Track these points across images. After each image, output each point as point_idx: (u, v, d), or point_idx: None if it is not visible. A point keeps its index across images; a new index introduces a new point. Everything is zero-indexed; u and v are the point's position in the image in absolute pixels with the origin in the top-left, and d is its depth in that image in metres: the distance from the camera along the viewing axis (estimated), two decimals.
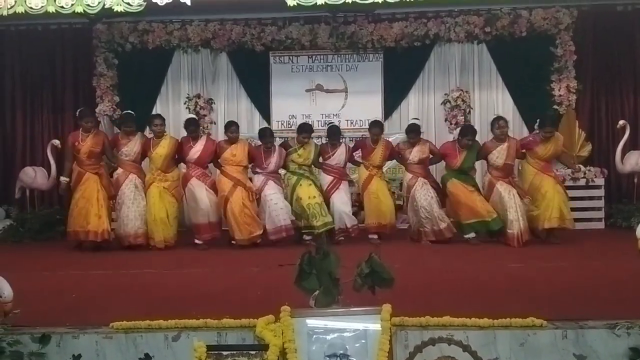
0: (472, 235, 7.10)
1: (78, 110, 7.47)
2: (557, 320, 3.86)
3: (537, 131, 7.30)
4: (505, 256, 6.36)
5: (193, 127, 7.33)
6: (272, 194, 7.15)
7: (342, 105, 8.89)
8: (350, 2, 6.37)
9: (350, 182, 7.64)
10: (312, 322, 3.51)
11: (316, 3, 6.39)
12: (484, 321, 3.76)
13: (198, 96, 8.90)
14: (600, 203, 8.23)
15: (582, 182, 8.18)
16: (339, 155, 7.42)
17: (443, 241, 7.09)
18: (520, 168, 7.31)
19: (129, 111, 7.54)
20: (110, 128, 8.65)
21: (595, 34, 8.66)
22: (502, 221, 6.91)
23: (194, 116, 7.99)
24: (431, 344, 3.32)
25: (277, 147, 7.42)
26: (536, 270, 5.62)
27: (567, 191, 8.04)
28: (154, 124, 7.28)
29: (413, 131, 7.34)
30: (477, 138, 7.35)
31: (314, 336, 3.47)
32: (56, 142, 8.26)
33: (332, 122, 7.94)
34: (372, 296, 3.73)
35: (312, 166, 7.45)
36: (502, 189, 6.95)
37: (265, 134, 7.35)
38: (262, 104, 8.90)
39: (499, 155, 7.02)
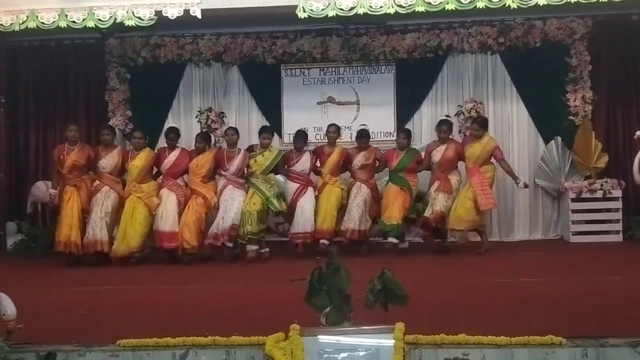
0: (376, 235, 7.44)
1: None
2: (576, 338, 3.73)
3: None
4: (520, 270, 6.23)
5: (172, 135, 7.54)
6: (224, 200, 7.20)
7: (354, 118, 8.80)
8: (361, 13, 6.29)
9: (315, 188, 7.60)
10: (322, 340, 3.42)
11: (327, 15, 6.33)
12: (500, 339, 3.65)
13: (209, 110, 8.87)
14: (618, 215, 8.05)
15: (599, 194, 8.02)
16: (303, 163, 7.47)
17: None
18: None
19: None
20: (122, 141, 8.62)
21: (610, 44, 8.52)
22: (397, 231, 7.15)
23: (175, 125, 8.05)
24: None
25: (241, 150, 7.45)
26: (553, 285, 5.48)
27: (584, 203, 8.03)
28: (134, 136, 7.50)
29: (364, 136, 7.55)
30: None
31: (325, 356, 3.38)
32: None
33: (300, 128, 7.94)
34: (385, 313, 3.63)
35: (271, 175, 7.42)
36: (433, 188, 7.34)
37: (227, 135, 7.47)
38: (274, 116, 8.84)
39: (437, 154, 7.43)
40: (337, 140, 7.74)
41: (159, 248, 7.20)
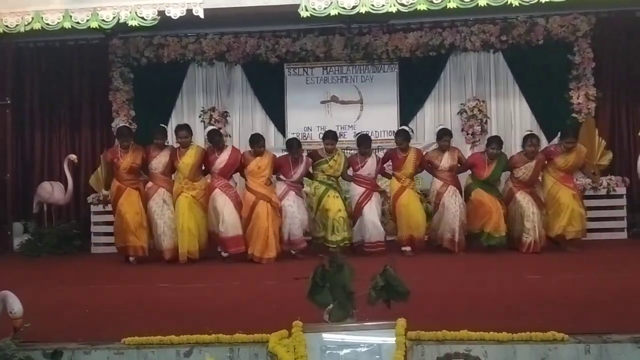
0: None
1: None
2: (579, 334, 3.75)
3: (559, 142, 7.37)
4: (524, 267, 6.22)
5: (218, 138, 7.36)
6: (289, 205, 7.11)
7: (357, 117, 8.83)
8: (363, 12, 6.30)
9: (382, 193, 7.48)
10: (324, 337, 3.44)
11: (329, 13, 6.34)
12: (503, 335, 3.66)
13: (213, 109, 8.92)
14: (622, 212, 8.05)
15: (603, 191, 8.03)
16: (369, 166, 7.26)
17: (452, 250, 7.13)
18: (540, 179, 7.33)
19: (162, 125, 7.73)
20: None
21: (614, 41, 8.51)
22: (506, 239, 7.08)
23: (216, 127, 7.93)
24: (448, 359, 3.23)
25: (304, 157, 7.36)
26: (557, 282, 5.48)
27: (588, 200, 7.98)
28: (180, 135, 7.27)
29: (446, 134, 7.32)
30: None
31: (327, 352, 3.40)
32: (73, 156, 8.36)
33: (362, 132, 7.72)
34: (388, 309, 3.65)
35: (340, 178, 7.38)
36: (521, 197, 7.12)
37: (293, 145, 7.27)
38: (277, 116, 8.88)
39: (525, 171, 7.14)
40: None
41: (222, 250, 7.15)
